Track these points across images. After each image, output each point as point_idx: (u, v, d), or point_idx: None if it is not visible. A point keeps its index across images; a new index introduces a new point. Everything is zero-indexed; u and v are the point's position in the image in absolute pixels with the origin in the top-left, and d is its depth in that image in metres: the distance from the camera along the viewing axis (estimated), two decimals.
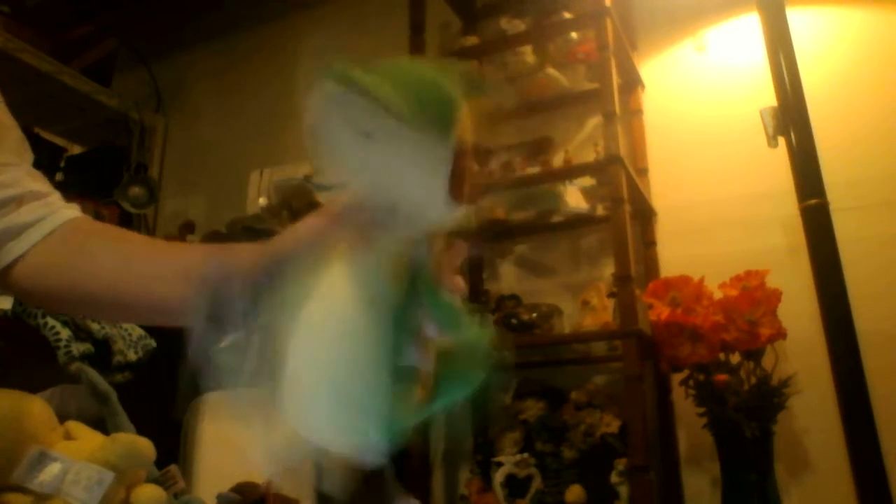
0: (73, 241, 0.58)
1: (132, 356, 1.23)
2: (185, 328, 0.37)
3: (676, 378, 1.54)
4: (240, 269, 0.46)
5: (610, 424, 1.52)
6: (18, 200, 0.58)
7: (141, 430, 0.93)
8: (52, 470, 0.64)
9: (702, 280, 1.48)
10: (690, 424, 1.58)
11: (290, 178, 1.91)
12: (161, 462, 0.92)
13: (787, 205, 1.51)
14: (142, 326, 1.32)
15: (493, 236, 1.89)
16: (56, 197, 0.61)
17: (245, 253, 0.49)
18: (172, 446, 1.38)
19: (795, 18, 1.61)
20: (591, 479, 1.51)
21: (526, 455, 1.56)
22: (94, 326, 1.19)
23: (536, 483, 1.55)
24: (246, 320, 0.36)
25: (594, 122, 1.92)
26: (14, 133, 0.63)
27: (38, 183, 0.61)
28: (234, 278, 0.39)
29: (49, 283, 0.57)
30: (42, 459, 0.65)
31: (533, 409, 1.61)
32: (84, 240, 0.59)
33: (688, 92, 1.88)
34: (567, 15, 1.80)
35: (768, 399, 1.39)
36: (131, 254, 0.57)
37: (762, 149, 1.50)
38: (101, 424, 0.94)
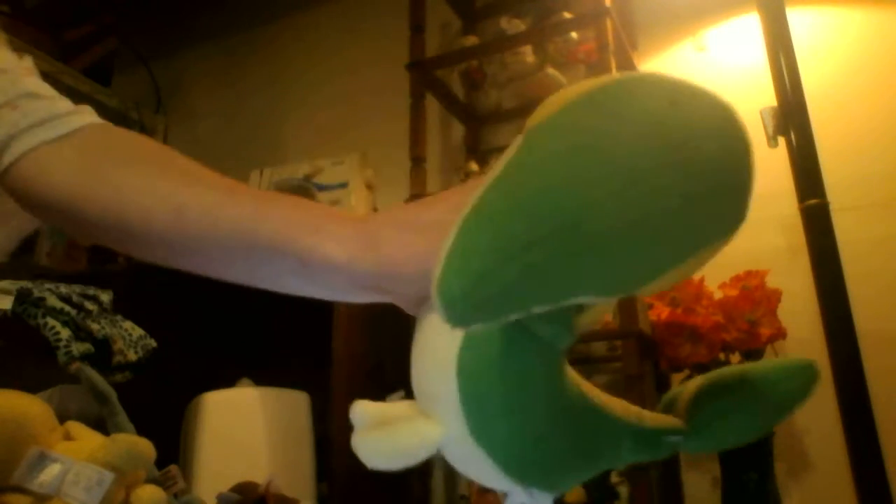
0: (88, 153, 0.53)
1: (132, 356, 1.23)
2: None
3: (676, 378, 1.54)
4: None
5: None
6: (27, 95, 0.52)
7: (141, 430, 0.93)
8: (52, 470, 0.64)
9: (702, 280, 1.48)
10: None
11: (290, 178, 1.90)
12: (161, 462, 0.92)
13: (787, 205, 1.51)
14: (142, 326, 1.32)
15: None
16: (62, 101, 0.55)
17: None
18: (172, 446, 1.38)
19: (795, 18, 1.61)
20: (591, 479, 1.51)
21: None
22: (95, 326, 1.19)
23: None
24: None
25: None
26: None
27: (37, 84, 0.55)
28: None
29: (46, 194, 0.51)
30: (42, 460, 0.64)
31: None
32: (100, 156, 0.53)
33: None
34: (567, 15, 1.80)
35: None
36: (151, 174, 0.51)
37: (762, 149, 1.50)
38: (101, 424, 0.94)
